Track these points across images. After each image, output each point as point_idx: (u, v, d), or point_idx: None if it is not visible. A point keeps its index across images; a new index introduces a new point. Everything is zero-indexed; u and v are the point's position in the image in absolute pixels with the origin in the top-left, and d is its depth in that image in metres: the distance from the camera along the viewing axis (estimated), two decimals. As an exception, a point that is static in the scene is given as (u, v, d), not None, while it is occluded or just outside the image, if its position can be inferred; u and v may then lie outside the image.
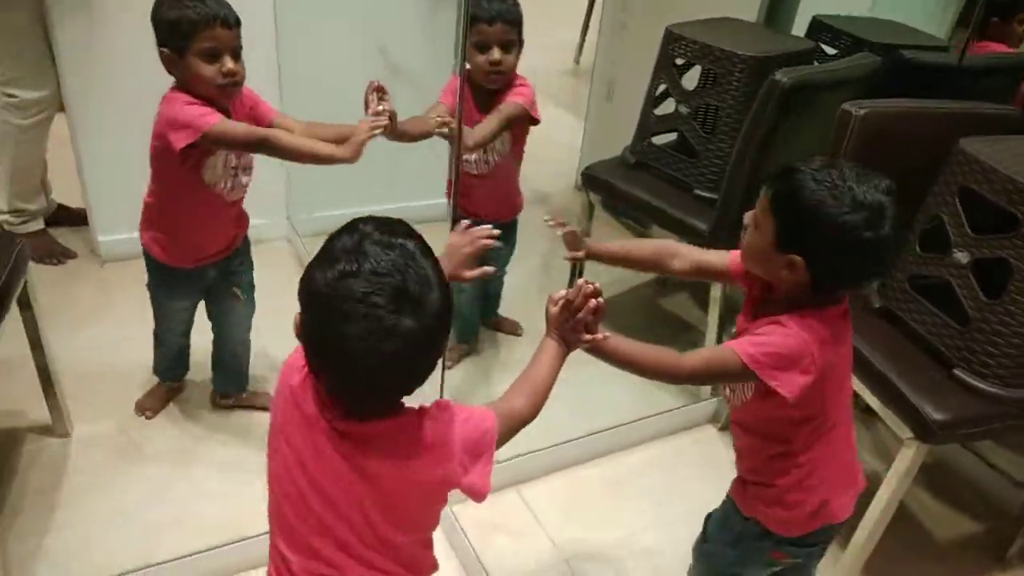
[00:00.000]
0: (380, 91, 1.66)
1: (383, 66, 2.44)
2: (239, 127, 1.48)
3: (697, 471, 1.88)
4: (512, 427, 1.00)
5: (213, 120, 1.43)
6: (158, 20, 1.42)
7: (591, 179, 2.26)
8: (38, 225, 2.31)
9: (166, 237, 1.60)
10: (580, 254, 1.28)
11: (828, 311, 1.08)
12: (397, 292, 0.80)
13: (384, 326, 0.79)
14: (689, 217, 2.05)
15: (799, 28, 2.42)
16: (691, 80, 2.19)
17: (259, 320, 1.80)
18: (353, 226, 0.85)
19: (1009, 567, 1.77)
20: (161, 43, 1.43)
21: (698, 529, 1.37)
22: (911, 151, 1.65)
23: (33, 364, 1.66)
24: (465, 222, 1.22)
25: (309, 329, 0.85)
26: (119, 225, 2.29)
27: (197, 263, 1.64)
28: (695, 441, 1.99)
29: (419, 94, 2.55)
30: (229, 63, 1.44)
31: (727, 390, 1.23)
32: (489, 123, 1.73)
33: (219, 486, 1.65)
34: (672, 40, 2.15)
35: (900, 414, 1.47)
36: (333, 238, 0.85)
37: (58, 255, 2.31)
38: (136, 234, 2.27)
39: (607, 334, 1.07)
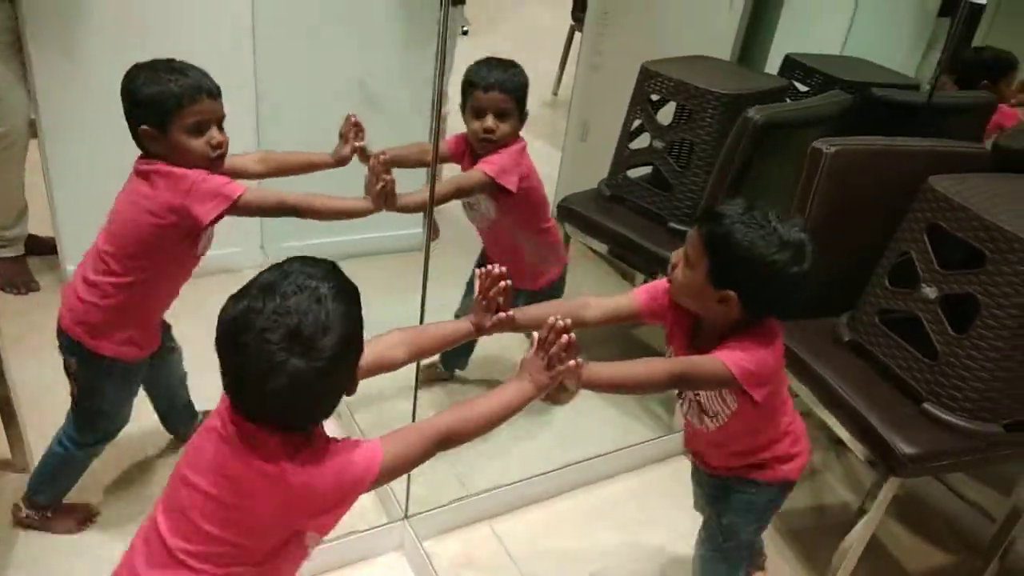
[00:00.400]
0: (357, 127, 1.66)
1: (360, 99, 2.46)
2: (271, 195, 1.42)
3: (672, 501, 1.86)
4: (420, 446, 1.01)
5: (239, 189, 1.36)
6: (135, 97, 1.33)
7: (567, 211, 2.27)
8: (15, 251, 2.28)
9: (139, 331, 1.46)
10: (505, 320, 1.25)
11: (765, 328, 1.21)
12: (291, 333, 0.86)
13: (273, 363, 0.86)
14: (663, 249, 2.06)
15: (772, 66, 2.47)
16: (666, 116, 2.22)
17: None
18: (281, 264, 0.92)
19: (981, 599, 1.78)
20: (139, 120, 1.34)
21: (673, 558, 1.46)
22: (881, 188, 1.68)
23: (-5, 395, 1.62)
24: (483, 269, 1.22)
25: (216, 347, 0.91)
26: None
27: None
28: (670, 472, 1.98)
29: (395, 128, 2.57)
30: (217, 135, 1.37)
31: (702, 421, 1.31)
32: (447, 185, 1.68)
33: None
34: (648, 77, 2.18)
35: (871, 448, 1.47)
36: (262, 272, 0.92)
37: (25, 284, 2.27)
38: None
39: (580, 360, 1.07)
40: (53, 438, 1.53)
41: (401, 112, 2.55)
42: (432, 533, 1.69)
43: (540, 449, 1.97)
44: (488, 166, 1.71)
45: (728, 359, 1.16)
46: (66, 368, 1.46)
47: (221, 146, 1.38)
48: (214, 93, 1.37)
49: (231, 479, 0.93)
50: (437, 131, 1.55)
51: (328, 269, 0.93)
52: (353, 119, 1.66)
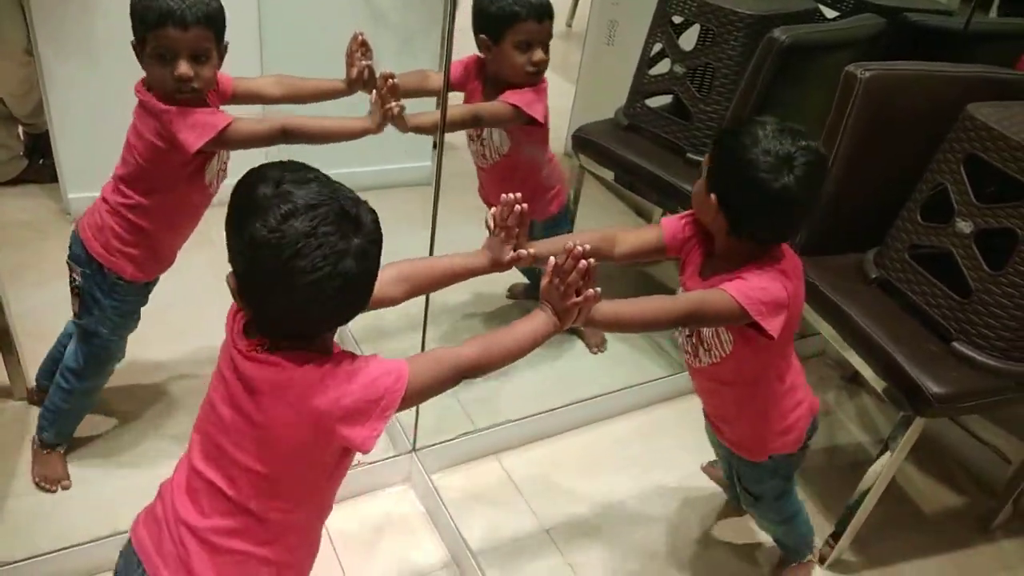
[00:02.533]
0: (364, 47, 1.57)
1: (366, 15, 2.34)
2: (259, 125, 1.35)
3: (679, 441, 1.84)
4: (445, 373, 0.96)
5: (227, 119, 1.30)
6: (132, 9, 1.27)
7: (582, 141, 2.18)
8: None
9: (145, 252, 1.42)
10: (525, 256, 1.18)
11: (776, 257, 1.16)
12: (338, 216, 0.84)
13: (338, 250, 0.83)
14: (680, 181, 1.99)
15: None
16: (688, 41, 2.11)
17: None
18: (261, 174, 0.86)
19: (993, 538, 1.76)
20: (135, 32, 1.27)
21: (679, 498, 1.46)
22: (916, 115, 1.59)
23: (-7, 324, 1.58)
24: (503, 197, 1.14)
25: (254, 278, 0.85)
26: (89, 182, 2.20)
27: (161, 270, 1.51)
28: (677, 411, 1.95)
29: (404, 46, 2.46)
30: (183, 67, 1.25)
31: (697, 353, 1.27)
32: (451, 111, 1.55)
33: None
34: (670, -4, 2.06)
35: (897, 386, 1.42)
36: (247, 191, 0.85)
37: None
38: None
39: (598, 290, 1.02)
40: (56, 376, 1.50)
41: (408, 28, 2.44)
42: (440, 466, 1.67)
43: (548, 385, 1.93)
44: (516, 98, 1.64)
45: (734, 290, 1.11)
46: (71, 283, 1.44)
47: (184, 80, 1.26)
48: (185, 22, 1.23)
49: (258, 402, 0.88)
50: (449, 51, 1.46)
51: (299, 163, 0.89)
52: (360, 37, 1.57)
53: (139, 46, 1.28)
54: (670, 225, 1.26)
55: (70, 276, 1.44)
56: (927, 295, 1.50)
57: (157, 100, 1.29)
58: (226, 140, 1.31)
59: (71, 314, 1.48)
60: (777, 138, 1.09)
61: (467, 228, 1.91)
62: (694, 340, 1.27)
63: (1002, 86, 1.64)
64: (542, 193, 1.87)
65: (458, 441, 1.69)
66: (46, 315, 1.67)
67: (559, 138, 2.98)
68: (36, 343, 1.67)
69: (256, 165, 0.89)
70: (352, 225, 0.85)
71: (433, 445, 1.65)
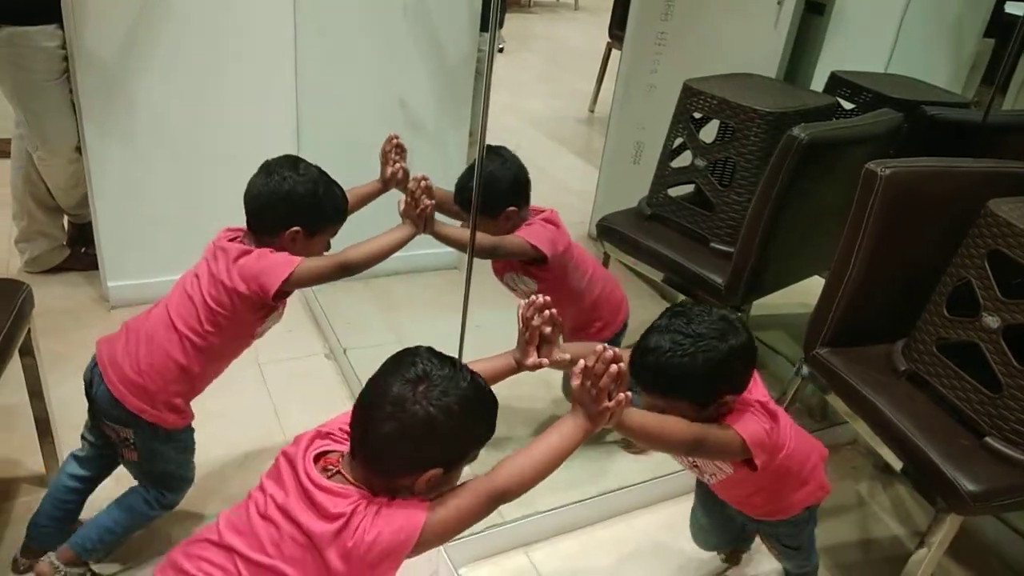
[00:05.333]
0: (399, 149, 1.65)
1: (401, 120, 2.45)
2: (323, 260, 1.44)
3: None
4: (475, 504, 1.00)
5: (297, 260, 1.39)
6: (316, 198, 1.42)
7: (607, 230, 2.23)
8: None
9: (186, 399, 1.45)
10: (545, 361, 1.22)
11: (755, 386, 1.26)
12: (418, 376, 0.99)
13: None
14: (705, 271, 2.02)
15: (817, 84, 2.41)
16: (708, 134, 2.18)
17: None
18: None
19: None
20: (299, 220, 1.41)
21: None
22: (937, 211, 1.62)
23: (31, 412, 1.61)
24: (530, 299, 1.18)
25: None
26: (129, 271, 2.29)
27: None
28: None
29: (434, 149, 2.56)
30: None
31: (703, 476, 1.36)
32: (488, 239, 1.64)
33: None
34: (690, 94, 2.13)
35: (931, 484, 1.41)
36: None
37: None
38: (145, 280, 2.28)
39: (629, 395, 1.03)
40: (130, 502, 1.47)
41: (439, 133, 2.55)
42: (467, 560, 1.65)
43: (575, 477, 1.92)
44: (525, 233, 1.68)
45: (742, 430, 1.19)
46: (121, 440, 1.42)
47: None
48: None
49: (304, 527, 0.96)
50: (481, 152, 1.52)
51: (479, 379, 1.02)
52: (395, 140, 1.64)
53: (314, 230, 1.44)
54: None
55: (118, 436, 1.41)
56: (957, 389, 1.50)
57: (238, 246, 1.39)
58: (296, 280, 1.38)
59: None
60: (700, 325, 1.18)
61: (497, 312, 1.95)
62: (696, 470, 1.34)
63: (1021, 180, 1.67)
64: (584, 325, 1.86)
65: (486, 534, 1.67)
66: (83, 404, 1.70)
67: (583, 222, 3.05)
68: (72, 432, 1.69)
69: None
70: (425, 388, 0.98)
71: (461, 539, 1.63)
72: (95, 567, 1.48)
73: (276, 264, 1.37)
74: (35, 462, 1.69)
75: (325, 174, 1.46)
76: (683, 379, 1.17)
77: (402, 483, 0.99)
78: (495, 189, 1.64)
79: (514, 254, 1.71)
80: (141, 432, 1.40)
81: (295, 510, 0.96)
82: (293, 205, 1.40)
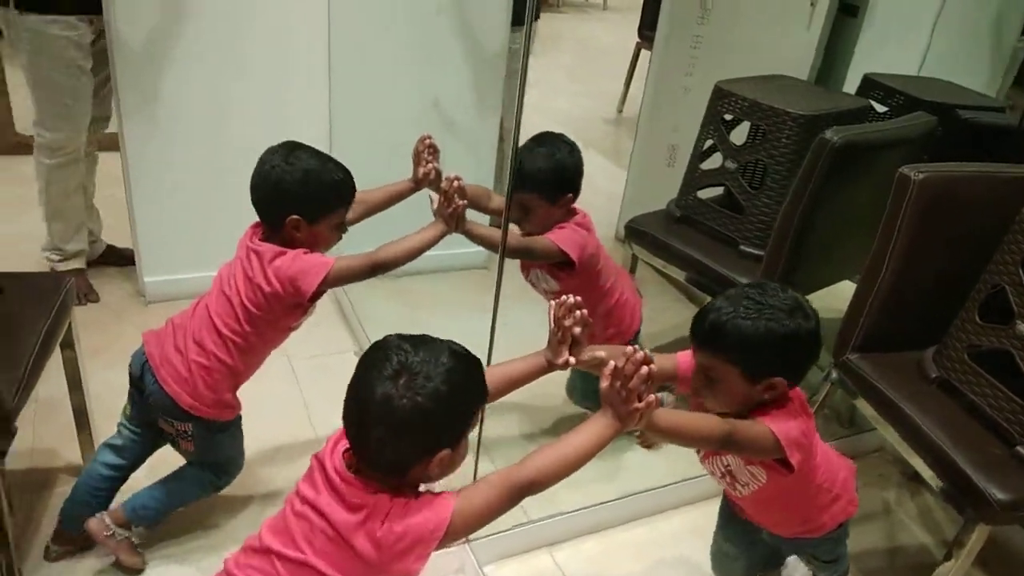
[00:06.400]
0: (432, 149, 1.66)
1: (434, 121, 2.47)
2: (356, 260, 1.44)
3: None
4: (499, 497, 1.01)
5: (332, 260, 1.41)
6: (304, 181, 1.39)
7: (635, 232, 2.23)
8: (77, 264, 2.34)
9: (232, 393, 1.50)
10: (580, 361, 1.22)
11: (788, 397, 1.22)
12: (397, 369, 0.96)
13: (382, 393, 0.96)
14: (734, 273, 2.01)
15: (850, 86, 2.40)
16: (739, 136, 2.17)
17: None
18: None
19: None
20: (294, 209, 1.39)
21: None
22: (972, 216, 1.60)
23: (69, 404, 1.66)
24: (561, 298, 1.18)
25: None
26: (165, 266, 2.33)
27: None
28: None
29: (466, 149, 2.58)
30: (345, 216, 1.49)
31: (735, 487, 1.32)
32: (517, 240, 1.67)
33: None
34: (721, 96, 2.13)
35: (960, 493, 1.39)
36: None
37: (85, 295, 2.32)
38: (181, 276, 2.32)
39: (659, 396, 1.04)
40: (184, 485, 1.53)
41: (471, 133, 2.56)
42: (492, 558, 1.67)
43: (601, 478, 1.92)
44: (554, 237, 1.69)
45: (775, 426, 1.17)
46: (179, 433, 1.47)
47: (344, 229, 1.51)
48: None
49: (332, 521, 0.98)
50: (515, 153, 1.53)
51: (464, 352, 1.01)
52: (428, 140, 1.66)
53: (315, 217, 1.42)
54: (684, 361, 1.29)
55: (175, 430, 1.47)
56: (988, 397, 1.48)
57: (271, 247, 1.40)
58: (331, 280, 1.40)
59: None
60: (775, 299, 1.17)
61: (525, 312, 1.97)
62: (728, 480, 1.32)
63: (1059, 187, 1.65)
64: (598, 332, 1.79)
65: (511, 533, 1.68)
66: (120, 396, 1.74)
67: (611, 223, 3.04)
68: (108, 422, 1.73)
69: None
70: (405, 381, 0.96)
71: (486, 536, 1.65)
72: (134, 534, 1.52)
73: (312, 266, 1.39)
74: (72, 453, 1.73)
75: (323, 157, 1.43)
76: (740, 342, 1.15)
77: (415, 475, 1.00)
78: (561, 175, 1.67)
79: (543, 257, 1.72)
80: (199, 425, 1.46)
81: (323, 504, 0.98)
82: (285, 194, 1.39)
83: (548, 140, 1.70)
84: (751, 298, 1.17)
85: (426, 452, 0.97)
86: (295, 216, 1.39)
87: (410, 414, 0.94)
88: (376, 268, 1.45)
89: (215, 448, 1.53)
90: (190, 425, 1.45)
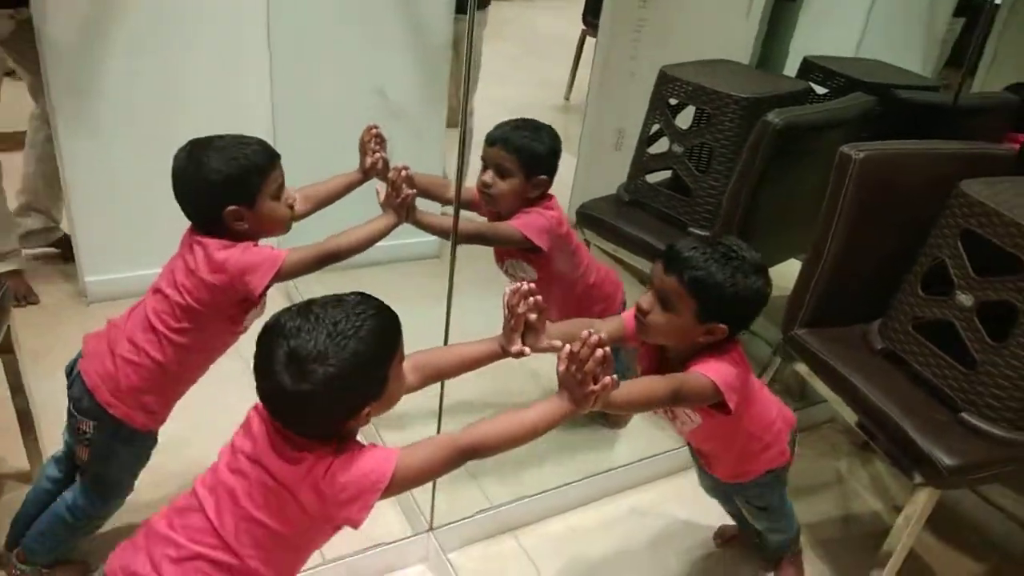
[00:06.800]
0: (378, 139, 1.64)
1: (379, 109, 2.44)
2: (308, 251, 1.38)
3: (695, 512, 1.84)
4: (441, 455, 1.02)
5: (283, 253, 1.34)
6: (215, 181, 1.29)
7: (586, 217, 2.25)
8: (12, 265, 2.25)
9: (160, 399, 1.40)
10: (527, 350, 1.24)
11: (727, 347, 1.29)
12: (288, 354, 0.96)
13: (271, 378, 0.96)
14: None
15: (790, 69, 2.44)
16: (684, 120, 2.20)
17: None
18: (338, 296, 1.02)
19: (1015, 610, 1.75)
20: (225, 202, 1.30)
21: (701, 569, 1.54)
22: (911, 192, 1.65)
23: (13, 409, 1.60)
24: (514, 285, 1.18)
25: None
26: (106, 265, 2.26)
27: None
28: (693, 481, 1.94)
29: (414, 138, 2.56)
30: (291, 191, 1.40)
31: (675, 423, 1.41)
32: (461, 224, 1.60)
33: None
34: (666, 81, 2.15)
35: (908, 459, 1.44)
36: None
37: (24, 297, 2.25)
38: (123, 274, 2.26)
39: (614, 377, 1.05)
40: (57, 503, 1.43)
41: (418, 121, 2.54)
42: (457, 545, 1.67)
43: (563, 460, 1.94)
44: (523, 220, 1.68)
45: (713, 374, 1.24)
46: (79, 432, 1.37)
47: (292, 206, 1.40)
48: (278, 155, 1.37)
49: (273, 473, 0.99)
50: (462, 141, 1.53)
51: (364, 307, 0.98)
52: (375, 130, 1.64)
53: (250, 199, 1.31)
54: (630, 320, 1.34)
55: (77, 428, 1.37)
56: (933, 366, 1.53)
57: (217, 240, 1.32)
58: (284, 273, 1.34)
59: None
60: (748, 254, 1.25)
61: (480, 300, 1.97)
62: (670, 416, 1.39)
63: (992, 161, 1.71)
64: (585, 309, 1.84)
65: (475, 519, 1.69)
66: (64, 400, 1.69)
67: (563, 209, 3.05)
68: (54, 428, 1.68)
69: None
70: (294, 368, 0.95)
71: (450, 524, 1.65)
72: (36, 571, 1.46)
73: (263, 260, 1.33)
74: (18, 459, 1.67)
75: (225, 139, 1.33)
76: (710, 282, 1.21)
77: (350, 429, 1.02)
78: (544, 150, 1.68)
79: (503, 242, 1.71)
80: (103, 427, 1.35)
81: (264, 457, 0.99)
82: (206, 192, 1.30)
83: (532, 122, 1.72)
84: (730, 248, 1.25)
85: (350, 415, 0.99)
86: (231, 207, 1.31)
87: (322, 391, 0.93)
88: (327, 258, 1.40)
89: (108, 460, 1.39)
90: (92, 425, 1.34)
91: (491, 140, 1.68)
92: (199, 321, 1.34)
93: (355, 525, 1.01)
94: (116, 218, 2.23)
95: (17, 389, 1.59)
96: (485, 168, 1.71)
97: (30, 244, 2.41)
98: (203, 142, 1.33)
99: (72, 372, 1.39)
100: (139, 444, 1.41)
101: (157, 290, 1.36)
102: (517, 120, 1.72)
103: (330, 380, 0.93)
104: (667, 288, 1.25)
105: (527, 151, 1.66)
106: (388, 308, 1.01)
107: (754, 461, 1.43)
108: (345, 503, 0.98)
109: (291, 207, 1.39)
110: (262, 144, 1.35)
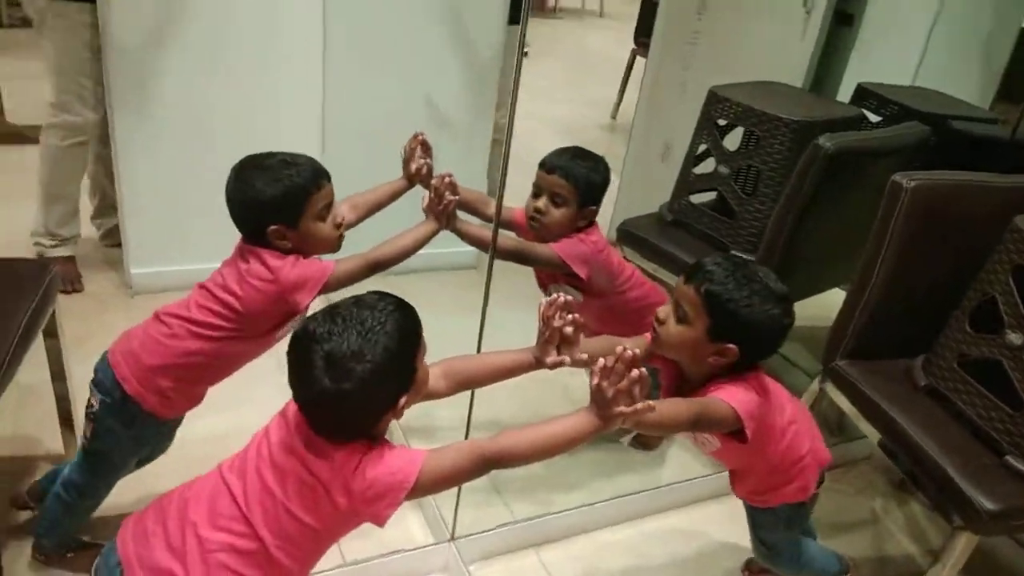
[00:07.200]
0: (424, 146, 1.65)
1: (427, 118, 2.46)
2: (355, 261, 1.41)
3: (723, 540, 1.80)
4: (465, 461, 1.02)
5: (330, 266, 1.36)
6: (259, 200, 1.30)
7: (627, 235, 2.23)
8: (69, 251, 2.32)
9: (179, 388, 1.38)
10: (567, 359, 1.24)
11: (748, 375, 1.27)
12: (327, 355, 0.97)
13: (308, 380, 0.98)
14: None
15: (843, 95, 2.40)
16: (732, 141, 2.17)
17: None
18: (359, 296, 1.04)
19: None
20: (269, 221, 1.32)
21: None
22: (963, 226, 1.61)
23: (53, 394, 1.63)
24: (551, 297, 1.18)
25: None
26: (152, 259, 2.31)
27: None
28: (722, 510, 1.91)
29: (460, 148, 2.57)
30: (340, 208, 1.42)
31: (695, 440, 1.39)
32: (501, 239, 1.61)
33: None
34: (715, 101, 2.13)
35: (949, 501, 1.39)
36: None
37: (71, 283, 2.30)
38: (168, 268, 2.30)
39: (651, 403, 1.02)
40: (56, 482, 1.46)
41: (464, 132, 2.55)
42: (477, 557, 1.66)
43: (590, 479, 1.92)
44: (559, 247, 1.67)
45: (734, 401, 1.21)
46: (88, 407, 1.38)
47: (340, 225, 1.41)
48: (328, 175, 1.38)
49: (308, 465, 1.00)
50: (507, 150, 1.53)
51: (385, 304, 1.00)
52: (420, 137, 1.65)
53: (293, 220, 1.32)
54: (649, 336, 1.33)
55: (88, 402, 1.38)
56: (978, 406, 1.48)
57: (269, 251, 1.34)
58: (332, 285, 1.37)
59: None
60: (772, 283, 1.24)
61: (516, 312, 1.97)
62: (691, 436, 1.38)
63: (1049, 198, 1.65)
64: (634, 330, 1.84)
65: (497, 532, 1.68)
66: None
67: (602, 226, 3.03)
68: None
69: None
70: (332, 370, 0.96)
71: (472, 535, 1.64)
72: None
73: (313, 273, 1.34)
74: (54, 442, 1.71)
75: (273, 157, 1.34)
76: (724, 299, 1.21)
77: (382, 428, 1.04)
78: (594, 183, 1.67)
79: (540, 263, 1.71)
80: (111, 404, 1.35)
81: (299, 449, 1.00)
82: (251, 210, 1.32)
83: (588, 152, 1.71)
84: (754, 272, 1.24)
85: (388, 407, 1.01)
86: (274, 227, 1.32)
87: (358, 390, 0.95)
88: (373, 268, 1.42)
89: (107, 438, 1.38)
90: (99, 400, 1.34)
91: (549, 167, 1.66)
92: (241, 323, 1.35)
93: (379, 522, 1.01)
94: (164, 212, 2.28)
95: (58, 374, 1.62)
96: (537, 195, 1.69)
97: (111, 241, 2.50)
98: (252, 161, 1.34)
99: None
100: (139, 428, 1.39)
101: (204, 287, 1.37)
102: (573, 148, 1.71)
103: (369, 376, 0.95)
104: (684, 299, 1.25)
105: (585, 181, 1.66)
106: (405, 303, 1.03)
107: (773, 492, 1.40)
108: (372, 500, 0.98)
109: (339, 225, 1.40)
110: (310, 164, 1.35)
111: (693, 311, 1.24)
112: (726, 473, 1.92)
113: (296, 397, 1.00)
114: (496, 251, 1.58)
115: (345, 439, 0.99)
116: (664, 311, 1.28)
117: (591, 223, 1.73)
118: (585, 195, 1.66)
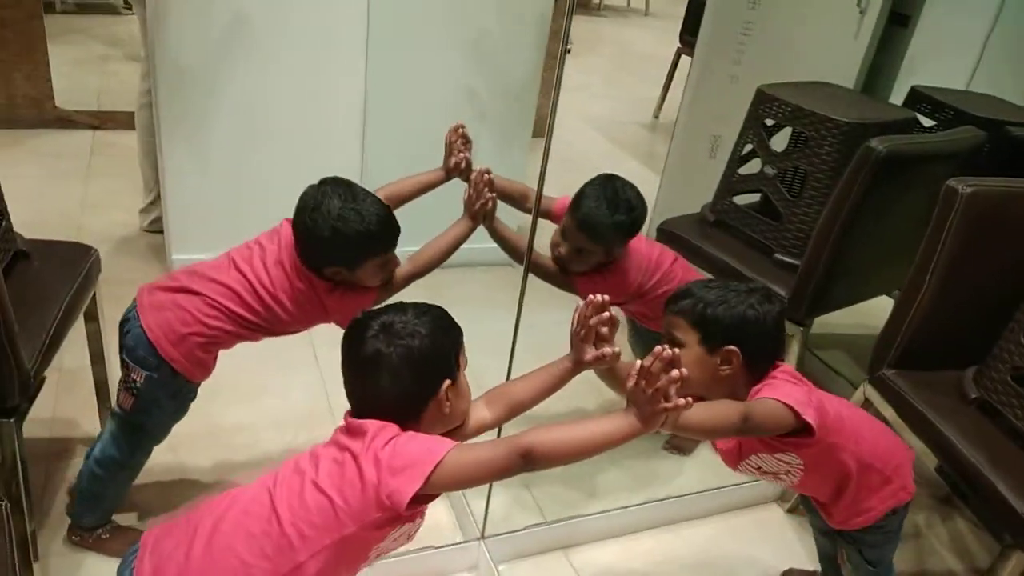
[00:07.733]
0: (464, 139, 1.63)
1: (468, 112, 2.45)
2: (400, 273, 1.47)
3: (757, 550, 1.77)
4: (498, 455, 0.99)
5: (372, 296, 1.44)
6: (335, 243, 1.34)
7: (667, 234, 2.19)
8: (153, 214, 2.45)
9: (215, 354, 1.42)
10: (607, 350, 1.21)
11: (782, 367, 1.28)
12: (383, 323, 1.08)
13: (368, 347, 1.07)
14: (768, 282, 1.96)
15: (896, 98, 2.34)
16: (780, 142, 2.12)
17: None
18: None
19: None
20: (334, 263, 1.37)
21: None
22: (1019, 234, 1.54)
23: (92, 377, 1.65)
24: (589, 298, 1.16)
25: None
26: (193, 245, 2.33)
27: None
28: (757, 520, 1.87)
29: (502, 143, 2.56)
30: (397, 262, 1.47)
31: (775, 478, 1.35)
32: (542, 257, 1.67)
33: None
34: (763, 100, 2.08)
35: (999, 519, 1.34)
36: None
37: None
38: (209, 255, 2.31)
39: (689, 400, 0.99)
40: (88, 461, 1.45)
41: (505, 126, 2.54)
42: (507, 556, 1.64)
43: (623, 482, 1.89)
44: (584, 286, 1.67)
45: (779, 394, 1.20)
46: (129, 381, 1.37)
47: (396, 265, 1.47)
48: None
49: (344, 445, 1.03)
50: (547, 147, 1.51)
51: (425, 304, 1.11)
52: (461, 129, 1.63)
53: (354, 267, 1.39)
54: None
55: (127, 377, 1.37)
56: (1032, 421, 1.42)
57: (326, 287, 1.41)
58: (376, 303, 1.41)
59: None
60: (742, 291, 1.28)
61: (550, 311, 1.95)
62: (770, 477, 1.34)
63: (1113, 207, 1.58)
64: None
65: (527, 532, 1.66)
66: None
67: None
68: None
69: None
70: (386, 334, 1.06)
71: (502, 534, 1.62)
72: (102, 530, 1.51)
73: (359, 308, 1.29)
74: (92, 425, 1.73)
75: (358, 200, 1.35)
76: (698, 302, 1.26)
77: (428, 417, 1.07)
78: (628, 232, 1.68)
79: (566, 290, 1.71)
80: (158, 379, 1.35)
81: (342, 438, 1.04)
82: (317, 247, 1.35)
83: (619, 192, 1.65)
84: (730, 283, 1.30)
85: (433, 386, 1.05)
86: (333, 267, 1.38)
87: (402, 358, 1.03)
88: (416, 277, 1.49)
89: (150, 411, 1.39)
90: (144, 375, 1.34)
91: (580, 221, 1.63)
92: (279, 328, 1.44)
93: (399, 502, 0.95)
94: (207, 200, 2.30)
95: (98, 358, 1.64)
96: (564, 236, 1.67)
97: (151, 228, 2.57)
98: (339, 195, 1.35)
99: (126, 322, 1.39)
100: (183, 397, 1.43)
101: (245, 278, 1.39)
102: (614, 185, 1.66)
103: (418, 349, 1.03)
104: (670, 327, 1.29)
105: (610, 243, 1.66)
106: (440, 308, 1.13)
107: (873, 497, 1.33)
108: (397, 470, 0.97)
109: (392, 272, 1.45)
110: (386, 222, 1.38)
111: (681, 332, 1.28)
112: (759, 482, 1.89)
113: (346, 365, 1.07)
114: (534, 266, 1.58)
115: (386, 414, 1.03)
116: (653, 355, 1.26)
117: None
118: (610, 251, 1.68)
